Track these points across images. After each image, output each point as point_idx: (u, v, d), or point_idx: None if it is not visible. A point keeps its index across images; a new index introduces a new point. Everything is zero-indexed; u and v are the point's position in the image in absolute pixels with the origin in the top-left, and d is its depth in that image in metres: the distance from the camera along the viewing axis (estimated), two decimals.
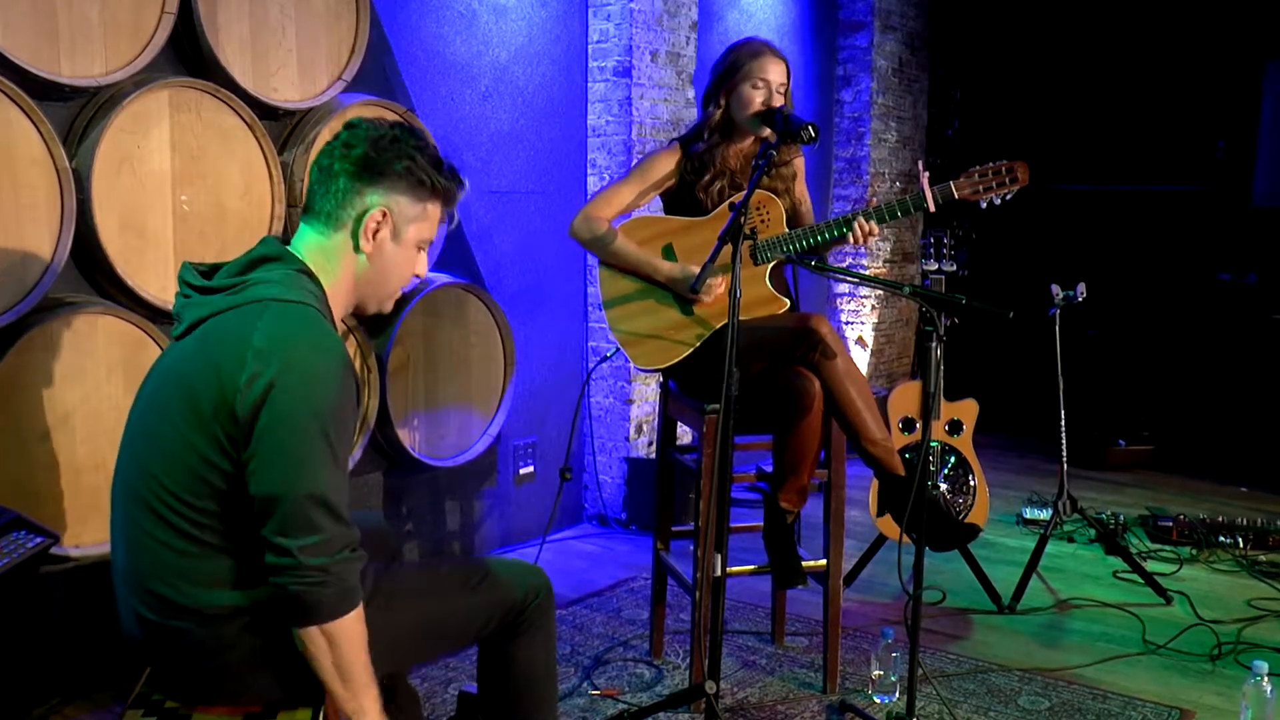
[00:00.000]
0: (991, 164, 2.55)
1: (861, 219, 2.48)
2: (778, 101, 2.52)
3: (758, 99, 2.52)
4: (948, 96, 5.99)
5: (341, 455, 1.47)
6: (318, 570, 1.42)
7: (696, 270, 2.45)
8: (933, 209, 2.52)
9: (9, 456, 2.25)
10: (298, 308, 1.49)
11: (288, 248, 1.58)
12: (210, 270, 1.58)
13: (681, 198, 2.63)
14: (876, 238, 2.52)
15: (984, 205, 2.57)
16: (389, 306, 1.67)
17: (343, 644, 1.46)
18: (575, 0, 3.83)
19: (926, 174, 2.56)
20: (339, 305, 1.61)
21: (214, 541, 1.48)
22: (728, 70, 2.56)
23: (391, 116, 2.91)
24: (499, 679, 1.79)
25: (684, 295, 2.51)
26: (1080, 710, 2.58)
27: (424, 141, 1.60)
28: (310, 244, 1.59)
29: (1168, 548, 3.81)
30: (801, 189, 2.74)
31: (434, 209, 1.62)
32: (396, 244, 1.60)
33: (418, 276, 1.67)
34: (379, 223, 1.57)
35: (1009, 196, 2.55)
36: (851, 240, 2.51)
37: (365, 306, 1.66)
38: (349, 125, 1.58)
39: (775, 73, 2.53)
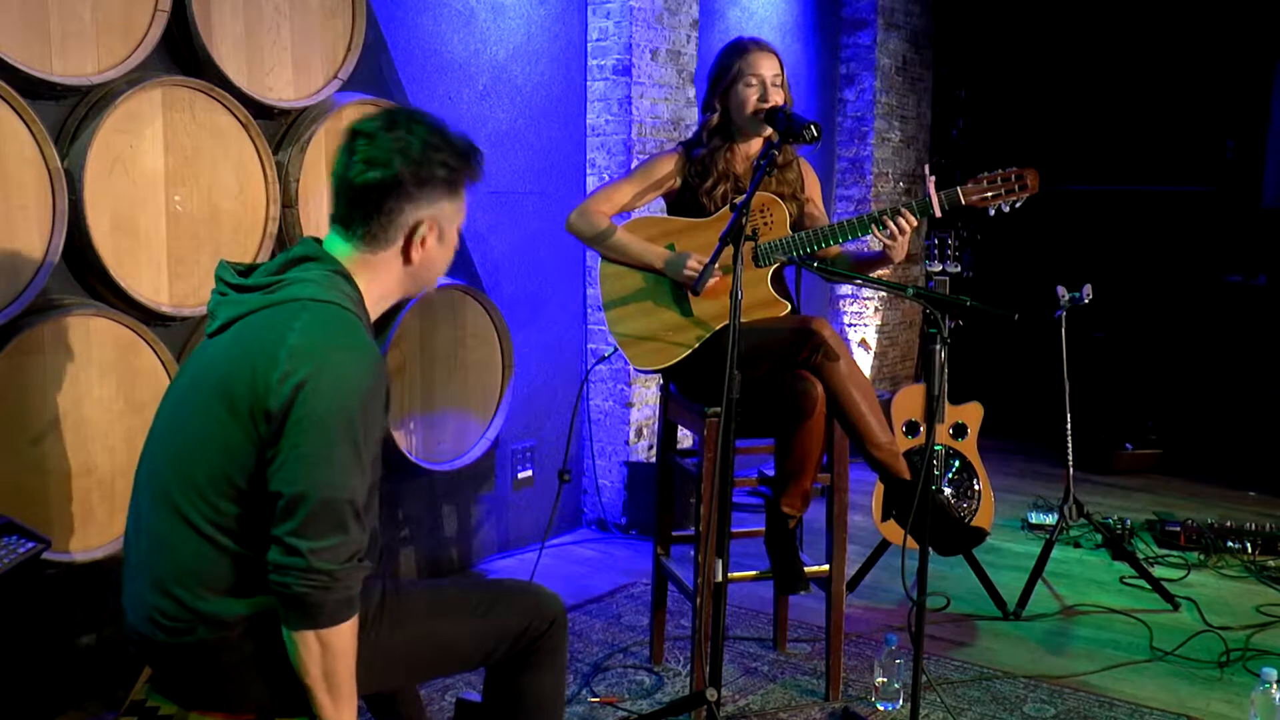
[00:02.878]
0: (1001, 170, 2.50)
1: (873, 220, 2.44)
2: (774, 95, 2.50)
3: (753, 96, 2.49)
4: (952, 95, 5.95)
5: (367, 460, 1.46)
6: (325, 575, 1.41)
7: (690, 254, 2.44)
8: (939, 215, 2.48)
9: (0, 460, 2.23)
10: (334, 309, 1.49)
11: (325, 248, 1.57)
12: (247, 270, 1.58)
13: (684, 201, 2.61)
14: (909, 236, 2.46)
15: (992, 213, 2.52)
16: (433, 286, 1.73)
17: (336, 652, 1.45)
18: None
19: (933, 178, 2.52)
20: (375, 306, 1.61)
21: (226, 544, 1.48)
22: (719, 74, 2.56)
23: None
24: (506, 704, 1.76)
25: (678, 280, 2.47)
26: (1086, 718, 2.55)
27: (444, 132, 1.57)
28: (350, 255, 1.57)
29: (1175, 553, 3.77)
30: (814, 194, 2.69)
31: (465, 195, 1.62)
32: (441, 245, 1.61)
33: None
34: (426, 233, 1.57)
35: (1018, 204, 2.50)
36: (887, 240, 2.45)
37: (407, 298, 1.70)
38: (364, 134, 1.53)
39: (766, 67, 2.51)
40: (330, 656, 1.45)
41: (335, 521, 1.42)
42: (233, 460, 1.45)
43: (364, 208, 1.54)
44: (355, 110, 2.81)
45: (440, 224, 1.58)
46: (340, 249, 1.57)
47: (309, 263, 1.54)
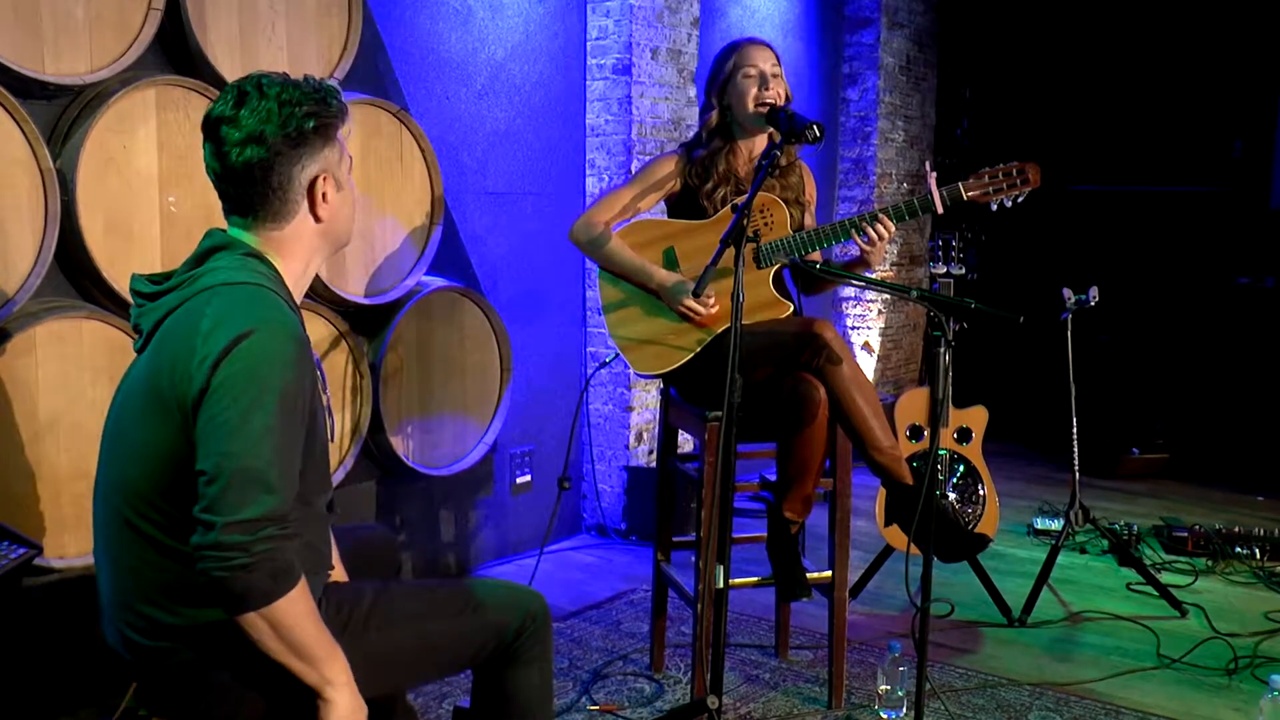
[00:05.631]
0: (1002, 165, 2.51)
1: (869, 219, 2.42)
2: (775, 87, 2.48)
3: (753, 88, 2.48)
4: (956, 95, 5.92)
5: (291, 431, 1.42)
6: (239, 550, 1.34)
7: (690, 281, 2.43)
8: (940, 210, 2.48)
9: None
10: (246, 288, 1.46)
11: (234, 235, 1.55)
12: (162, 278, 1.56)
13: (685, 203, 2.59)
14: (891, 239, 2.47)
15: (994, 208, 2.52)
16: (350, 238, 1.69)
17: (287, 624, 1.39)
18: None
19: (934, 174, 2.53)
20: (298, 279, 1.59)
21: (191, 553, 1.42)
22: (715, 73, 2.55)
23: (385, 116, 2.87)
24: (494, 704, 1.75)
25: (673, 307, 2.45)
26: None
27: (295, 85, 1.54)
28: (257, 238, 1.55)
29: (1183, 559, 3.75)
30: (811, 200, 2.68)
31: (341, 133, 1.61)
32: (341, 192, 1.60)
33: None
34: (324, 187, 1.57)
35: (1020, 199, 2.50)
36: (868, 245, 2.44)
37: (337, 250, 1.67)
38: (224, 119, 1.51)
39: (762, 59, 2.50)
40: (285, 629, 1.39)
41: (248, 491, 1.35)
42: (176, 464, 1.41)
43: (254, 187, 1.52)
44: (353, 110, 2.78)
45: (332, 172, 1.57)
46: (246, 235, 1.55)
47: (220, 252, 1.52)
